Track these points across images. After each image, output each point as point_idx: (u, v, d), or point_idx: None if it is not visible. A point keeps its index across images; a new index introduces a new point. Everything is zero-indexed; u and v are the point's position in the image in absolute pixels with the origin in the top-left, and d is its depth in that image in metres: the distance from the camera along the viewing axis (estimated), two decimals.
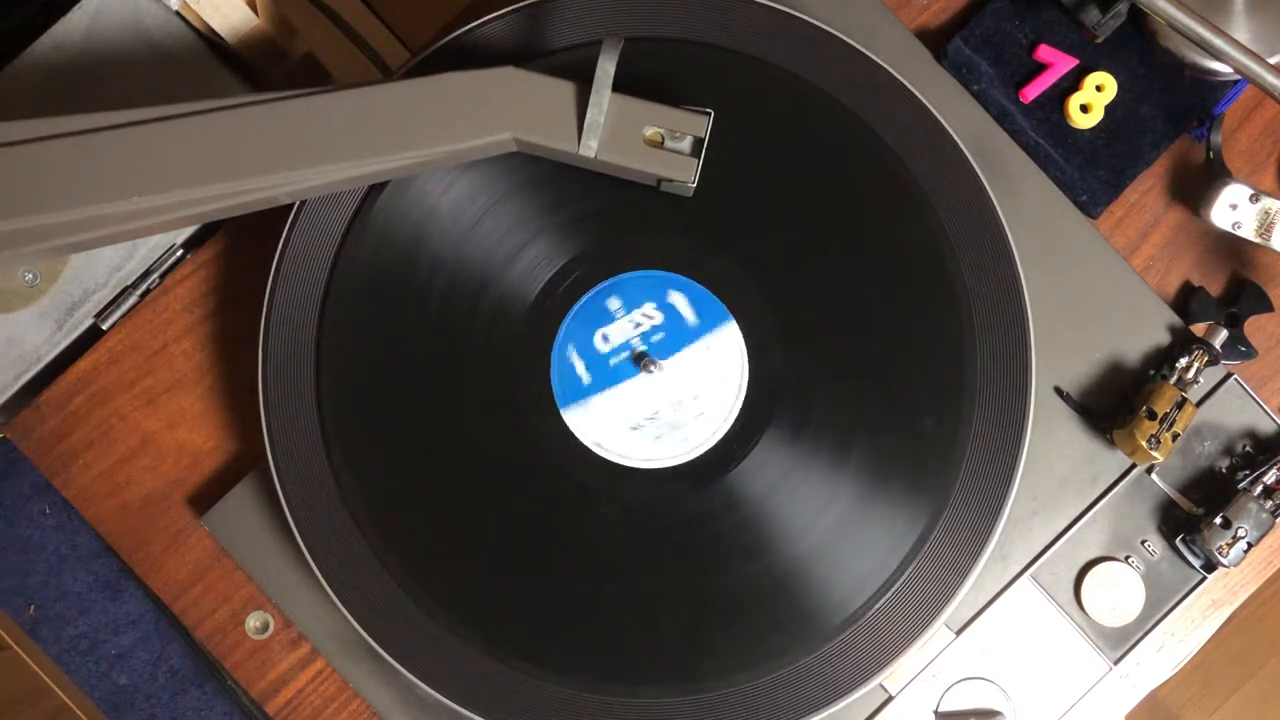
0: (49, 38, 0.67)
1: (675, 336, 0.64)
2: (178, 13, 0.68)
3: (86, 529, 0.84)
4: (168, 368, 0.68)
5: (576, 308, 0.64)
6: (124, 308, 0.68)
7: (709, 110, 0.61)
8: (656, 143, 0.61)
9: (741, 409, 0.64)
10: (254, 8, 0.69)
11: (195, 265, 0.69)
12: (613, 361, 0.64)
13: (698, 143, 0.61)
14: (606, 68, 0.59)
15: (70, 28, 0.67)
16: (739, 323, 0.64)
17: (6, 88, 0.67)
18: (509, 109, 0.60)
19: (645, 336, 0.64)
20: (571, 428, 0.64)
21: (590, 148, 0.60)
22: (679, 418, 0.64)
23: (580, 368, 0.64)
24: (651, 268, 0.65)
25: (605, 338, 0.65)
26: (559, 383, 0.64)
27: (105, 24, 0.67)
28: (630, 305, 0.65)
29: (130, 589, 0.84)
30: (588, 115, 0.59)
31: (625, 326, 0.64)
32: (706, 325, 0.64)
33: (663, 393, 0.64)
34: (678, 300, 0.65)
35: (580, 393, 0.64)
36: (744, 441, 0.64)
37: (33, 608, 0.84)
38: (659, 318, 0.65)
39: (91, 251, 0.67)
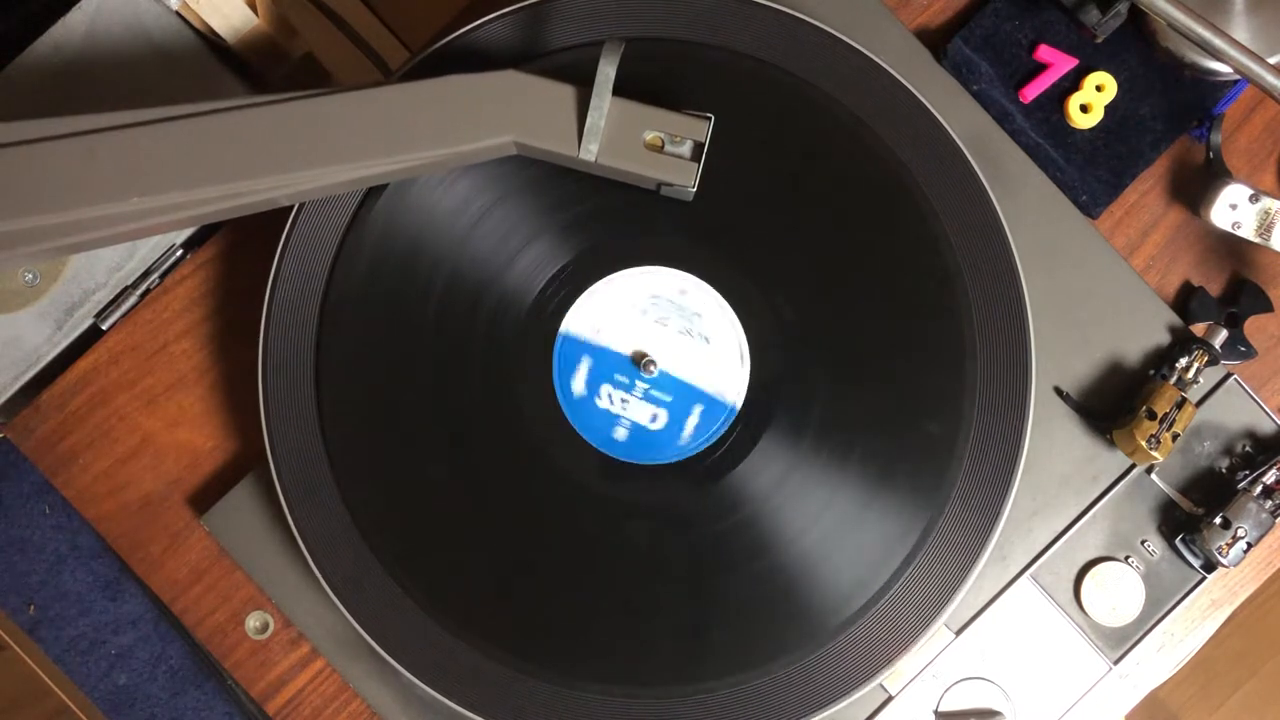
0: (49, 38, 0.67)
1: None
2: (178, 13, 0.68)
3: (86, 529, 0.84)
4: (168, 368, 0.68)
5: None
6: (124, 308, 0.68)
7: (709, 115, 0.61)
8: (657, 147, 0.61)
9: (742, 408, 0.64)
10: (254, 8, 0.69)
11: (195, 265, 0.69)
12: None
13: (698, 147, 0.61)
14: (607, 71, 0.59)
15: (70, 28, 0.67)
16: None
17: (6, 88, 0.67)
18: (509, 112, 0.60)
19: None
20: (567, 323, 0.64)
21: (590, 152, 0.60)
22: (684, 323, 0.64)
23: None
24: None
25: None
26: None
27: (105, 24, 0.67)
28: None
29: (130, 589, 0.84)
30: (588, 119, 0.59)
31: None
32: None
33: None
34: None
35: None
36: (744, 441, 0.64)
37: (33, 608, 0.84)
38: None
39: (91, 251, 0.67)
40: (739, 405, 0.64)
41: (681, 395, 0.64)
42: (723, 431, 0.64)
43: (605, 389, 0.64)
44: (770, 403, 0.64)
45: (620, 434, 0.64)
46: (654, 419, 0.64)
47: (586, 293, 0.64)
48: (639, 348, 0.64)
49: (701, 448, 0.64)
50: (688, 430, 0.64)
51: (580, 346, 0.64)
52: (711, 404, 0.64)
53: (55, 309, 0.67)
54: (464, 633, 0.63)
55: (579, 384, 0.64)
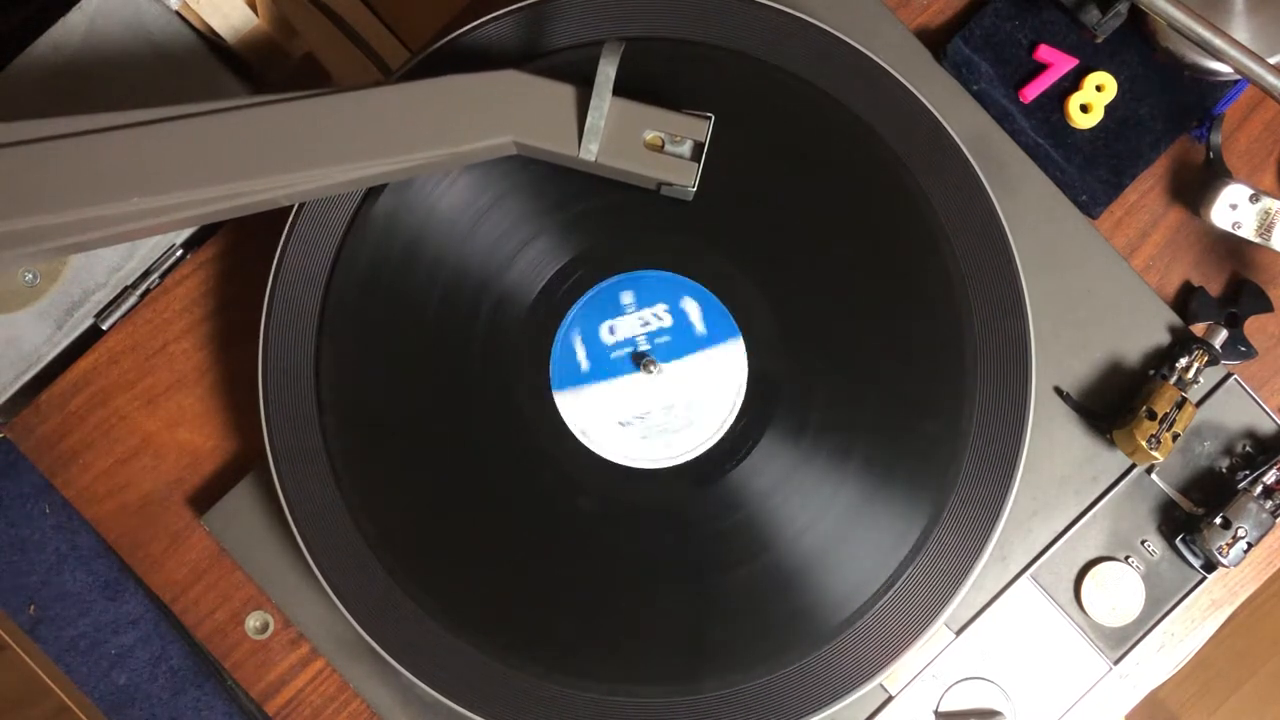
0: (49, 38, 0.67)
1: (680, 342, 0.64)
2: (178, 13, 0.68)
3: (86, 529, 0.84)
4: (168, 368, 0.68)
5: (589, 295, 0.64)
6: (124, 308, 0.68)
7: (709, 115, 0.61)
8: (657, 147, 0.61)
9: (742, 409, 0.64)
10: (254, 8, 0.69)
11: (195, 265, 0.69)
12: (614, 355, 0.64)
13: (698, 147, 0.61)
14: (607, 71, 0.59)
15: (70, 28, 0.67)
16: (740, 326, 0.64)
17: (6, 88, 0.67)
18: (509, 112, 0.60)
19: (651, 336, 0.64)
20: (561, 412, 0.64)
21: (590, 151, 0.60)
22: (668, 422, 0.64)
23: (581, 354, 0.64)
24: (651, 267, 0.65)
25: (612, 330, 0.65)
26: (558, 366, 0.64)
27: (105, 24, 0.68)
28: (642, 302, 0.65)
29: (130, 589, 0.84)
30: (588, 119, 0.60)
31: (633, 323, 0.65)
32: (713, 338, 0.64)
33: (658, 395, 0.64)
34: (690, 307, 0.65)
35: (577, 379, 0.64)
36: (745, 441, 0.64)
37: (33, 608, 0.84)
38: (668, 320, 0.65)
39: (91, 252, 0.67)
40: (729, 422, 0.64)
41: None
42: (724, 432, 0.64)
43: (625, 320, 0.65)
44: (770, 403, 0.64)
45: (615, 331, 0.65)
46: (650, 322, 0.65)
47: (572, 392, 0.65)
48: (641, 348, 0.64)
49: (702, 449, 0.64)
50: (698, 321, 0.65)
51: (586, 333, 0.64)
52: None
53: (55, 309, 0.67)
54: (464, 632, 0.63)
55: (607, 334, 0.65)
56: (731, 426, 0.64)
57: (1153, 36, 0.68)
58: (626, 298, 0.65)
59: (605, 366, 0.64)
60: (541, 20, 0.65)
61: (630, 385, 0.64)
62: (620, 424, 0.64)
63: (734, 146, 0.64)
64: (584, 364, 0.64)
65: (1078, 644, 0.66)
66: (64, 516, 0.85)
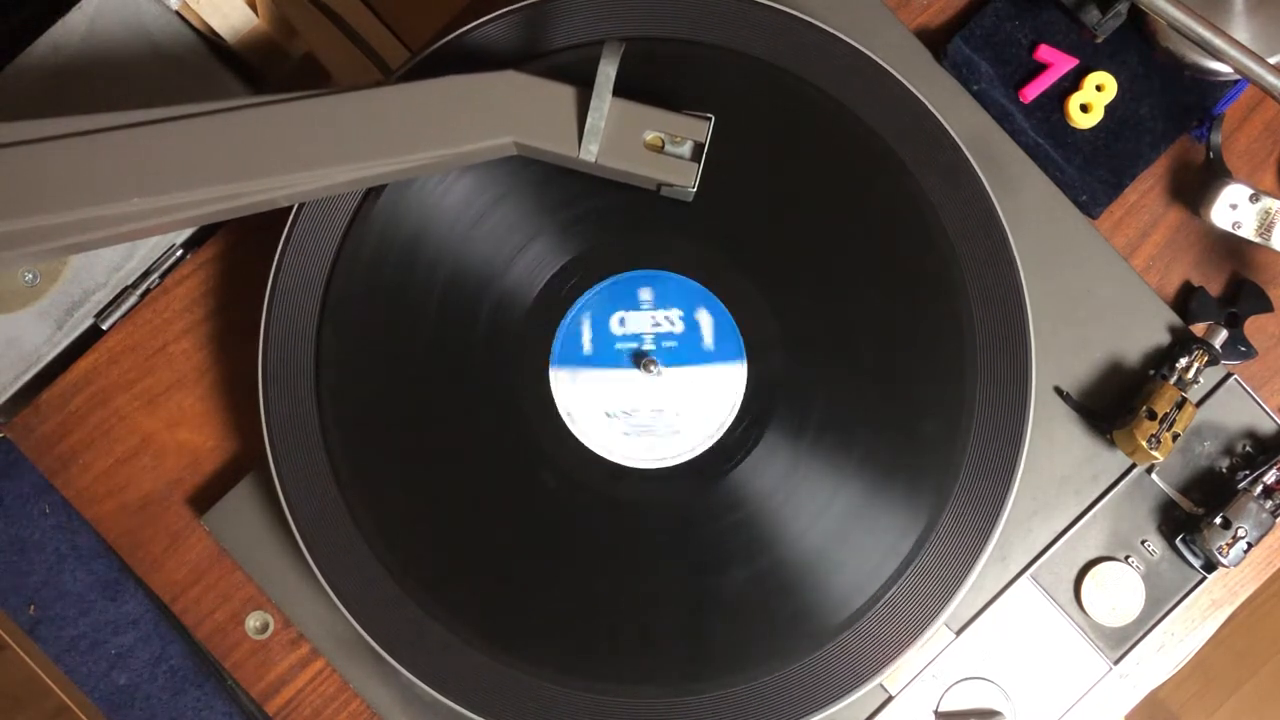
0: (49, 38, 0.67)
1: (686, 351, 0.64)
2: (178, 13, 0.68)
3: (86, 529, 0.84)
4: (168, 368, 0.68)
5: (609, 283, 0.64)
6: (124, 308, 0.68)
7: (709, 115, 0.61)
8: (657, 147, 0.61)
9: (741, 409, 0.64)
10: (254, 8, 0.69)
11: (195, 265, 0.69)
12: (618, 346, 0.64)
13: (698, 148, 0.61)
14: (607, 72, 0.59)
15: (70, 28, 0.67)
16: (746, 348, 0.64)
17: (6, 88, 0.67)
18: (509, 113, 0.60)
19: (658, 338, 0.64)
20: (553, 388, 0.64)
21: (591, 152, 0.60)
22: (654, 425, 0.64)
23: (587, 337, 0.64)
24: (651, 268, 0.65)
25: (622, 321, 0.65)
26: (560, 344, 0.64)
27: (105, 24, 0.68)
28: (660, 303, 0.65)
29: (130, 589, 0.84)
30: (588, 120, 0.60)
31: (645, 320, 0.64)
32: (719, 356, 0.64)
33: (650, 396, 0.64)
34: (703, 319, 0.65)
35: (577, 359, 0.64)
36: (745, 441, 0.64)
37: (33, 608, 0.84)
38: (679, 327, 0.65)
39: (91, 252, 0.67)
40: (715, 438, 0.64)
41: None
42: (725, 430, 0.64)
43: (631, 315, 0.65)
44: (771, 403, 0.64)
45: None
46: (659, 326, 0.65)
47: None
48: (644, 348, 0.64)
49: (703, 448, 0.64)
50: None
51: (596, 318, 0.64)
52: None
53: (55, 309, 0.67)
54: (464, 632, 0.63)
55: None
56: (731, 426, 0.64)
57: (1153, 36, 0.68)
58: (645, 294, 0.65)
59: (607, 355, 0.64)
60: (541, 20, 0.65)
61: (626, 380, 0.64)
62: (606, 415, 0.64)
63: (733, 147, 0.64)
64: (587, 346, 0.64)
65: (1078, 644, 0.66)
66: (64, 516, 0.85)
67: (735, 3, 0.66)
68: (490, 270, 0.64)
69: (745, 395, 0.64)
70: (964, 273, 0.64)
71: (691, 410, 0.64)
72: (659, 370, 0.64)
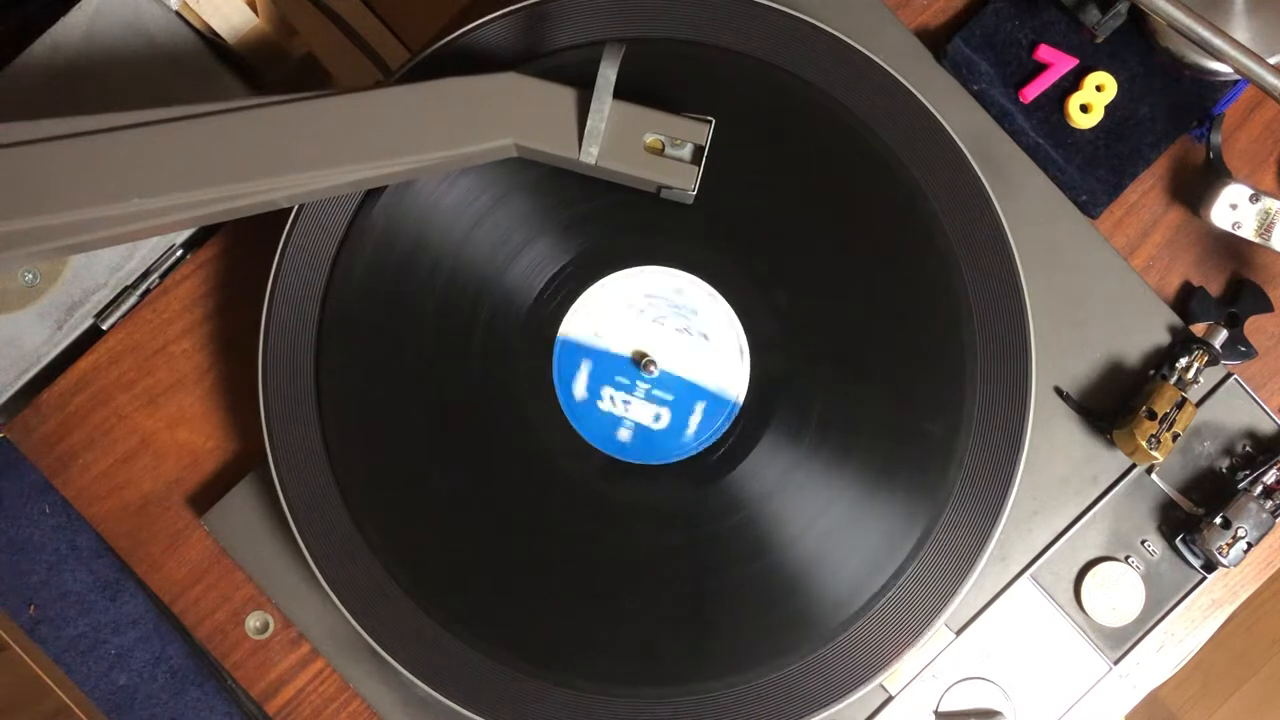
0: (49, 38, 0.67)
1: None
2: (178, 13, 0.68)
3: (86, 529, 0.84)
4: (168, 368, 0.68)
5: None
6: (124, 308, 0.68)
7: (710, 118, 0.61)
8: (657, 150, 0.61)
9: (742, 409, 0.64)
10: (254, 8, 0.69)
11: (195, 265, 0.69)
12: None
13: (698, 150, 0.61)
14: (608, 74, 0.59)
15: (70, 28, 0.67)
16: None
17: (6, 88, 0.67)
18: (510, 115, 0.60)
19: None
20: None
21: (591, 154, 0.60)
22: (683, 322, 0.64)
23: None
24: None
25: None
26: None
27: (105, 24, 0.67)
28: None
29: (130, 589, 0.84)
30: (589, 122, 0.59)
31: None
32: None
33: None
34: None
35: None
36: (745, 442, 0.64)
37: (33, 608, 0.84)
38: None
39: (91, 252, 0.67)
40: (741, 400, 0.64)
41: (683, 393, 0.64)
42: (726, 428, 0.64)
43: (607, 391, 0.64)
44: (770, 403, 0.64)
45: (624, 435, 0.64)
46: (657, 418, 0.64)
47: (583, 296, 0.64)
48: (638, 348, 0.64)
49: (704, 447, 0.64)
50: (691, 428, 0.64)
51: (580, 350, 0.64)
52: (714, 400, 0.64)
53: (55, 309, 0.67)
54: (464, 633, 0.63)
55: (580, 388, 0.64)
56: (732, 426, 0.64)
57: (1153, 36, 0.68)
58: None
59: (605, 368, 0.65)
60: (541, 21, 0.65)
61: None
62: (630, 306, 0.64)
63: (734, 147, 0.64)
64: (580, 395, 0.64)
65: (1078, 644, 0.66)
66: (64, 516, 0.85)
67: (735, 4, 0.66)
68: (490, 270, 0.64)
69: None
70: (964, 272, 0.64)
71: (709, 326, 0.64)
72: (658, 369, 0.64)
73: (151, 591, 0.68)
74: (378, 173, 0.60)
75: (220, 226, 0.69)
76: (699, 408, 0.64)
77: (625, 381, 0.64)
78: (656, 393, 0.64)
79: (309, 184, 0.60)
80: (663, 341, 0.64)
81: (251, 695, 0.67)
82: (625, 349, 0.64)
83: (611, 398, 0.64)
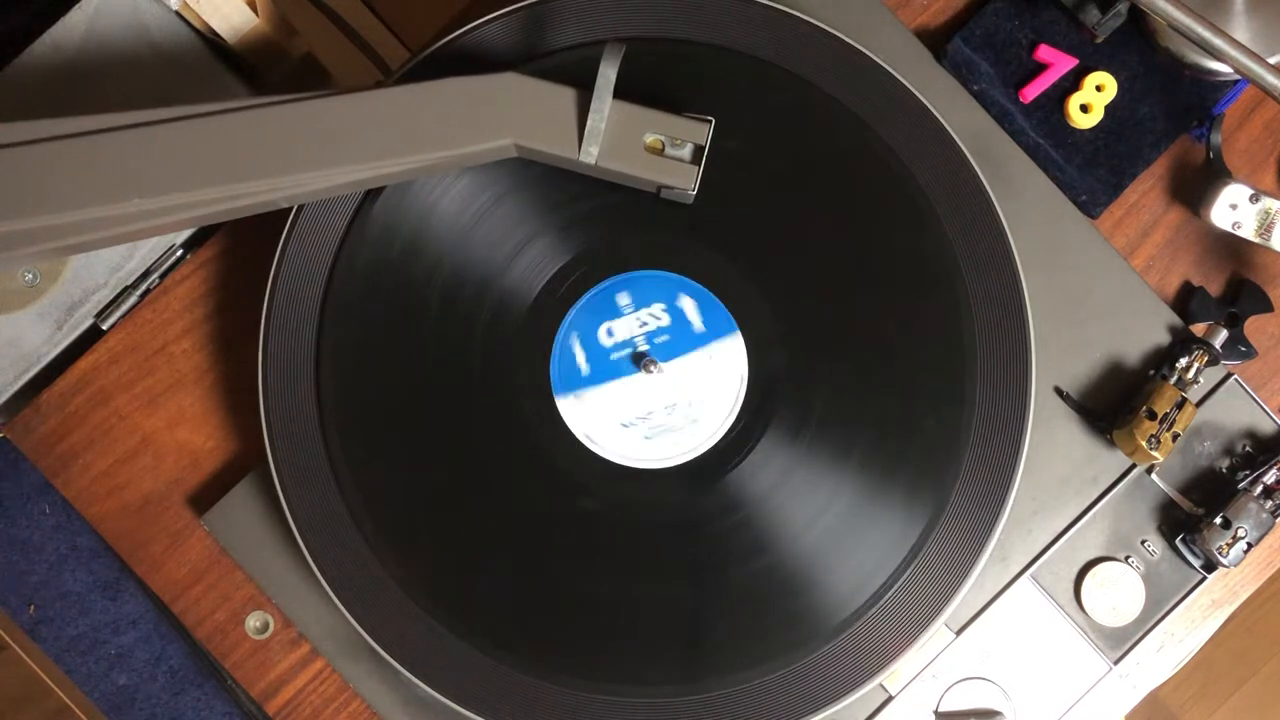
0: (49, 38, 0.67)
1: (679, 341, 0.64)
2: (178, 13, 0.68)
3: (86, 529, 0.84)
4: (168, 368, 0.68)
5: (586, 298, 0.64)
6: (124, 308, 0.68)
7: (710, 118, 0.61)
8: (657, 150, 0.61)
9: (742, 409, 0.64)
10: (254, 8, 0.69)
11: (195, 265, 0.69)
12: (614, 357, 0.65)
13: (698, 150, 0.61)
14: (608, 74, 0.59)
15: (70, 28, 0.67)
16: (739, 322, 0.64)
17: (6, 88, 0.67)
18: (510, 115, 0.60)
19: (650, 336, 0.64)
20: (564, 416, 0.64)
21: (591, 154, 0.60)
22: (671, 422, 0.64)
23: (581, 358, 0.64)
24: (651, 267, 0.65)
25: (610, 332, 0.65)
26: (557, 371, 0.64)
27: (105, 24, 0.67)
28: (639, 303, 0.65)
29: (130, 589, 0.84)
30: (589, 122, 0.59)
31: (631, 324, 0.65)
32: (712, 334, 0.64)
33: (659, 394, 0.64)
34: (687, 305, 0.65)
35: (577, 383, 0.64)
36: (744, 441, 0.64)
37: (33, 608, 0.84)
38: (666, 320, 0.65)
39: (91, 252, 0.67)
40: (733, 418, 0.64)
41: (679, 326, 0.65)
42: (714, 441, 0.64)
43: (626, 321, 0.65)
44: (770, 402, 0.64)
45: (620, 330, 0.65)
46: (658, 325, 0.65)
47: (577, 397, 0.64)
48: (643, 348, 0.64)
49: (702, 449, 0.64)
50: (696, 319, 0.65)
51: (585, 336, 0.64)
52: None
53: (55, 309, 0.67)
54: (464, 633, 0.63)
55: (582, 358, 0.64)
56: (732, 426, 0.64)
57: (1153, 36, 0.68)
58: (623, 299, 0.65)
59: (605, 368, 0.64)
60: (541, 21, 0.65)
61: (631, 386, 0.64)
62: (623, 425, 0.64)
63: (734, 146, 0.64)
64: (584, 368, 0.64)
65: (1078, 644, 0.66)
66: (64, 516, 0.85)
67: (735, 3, 0.66)
68: (490, 270, 0.64)
69: (750, 368, 0.64)
70: (964, 273, 0.64)
71: (703, 395, 0.64)
72: (659, 368, 0.64)
73: (151, 591, 0.68)
74: (378, 173, 0.60)
75: (220, 226, 0.69)
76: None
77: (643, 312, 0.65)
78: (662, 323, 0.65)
79: (309, 184, 0.60)
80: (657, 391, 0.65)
81: (251, 695, 0.67)
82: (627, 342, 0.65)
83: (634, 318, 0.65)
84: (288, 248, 0.64)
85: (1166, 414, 0.64)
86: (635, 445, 0.64)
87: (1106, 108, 0.69)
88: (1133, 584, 0.66)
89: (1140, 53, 0.69)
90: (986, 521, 0.63)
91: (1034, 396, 0.64)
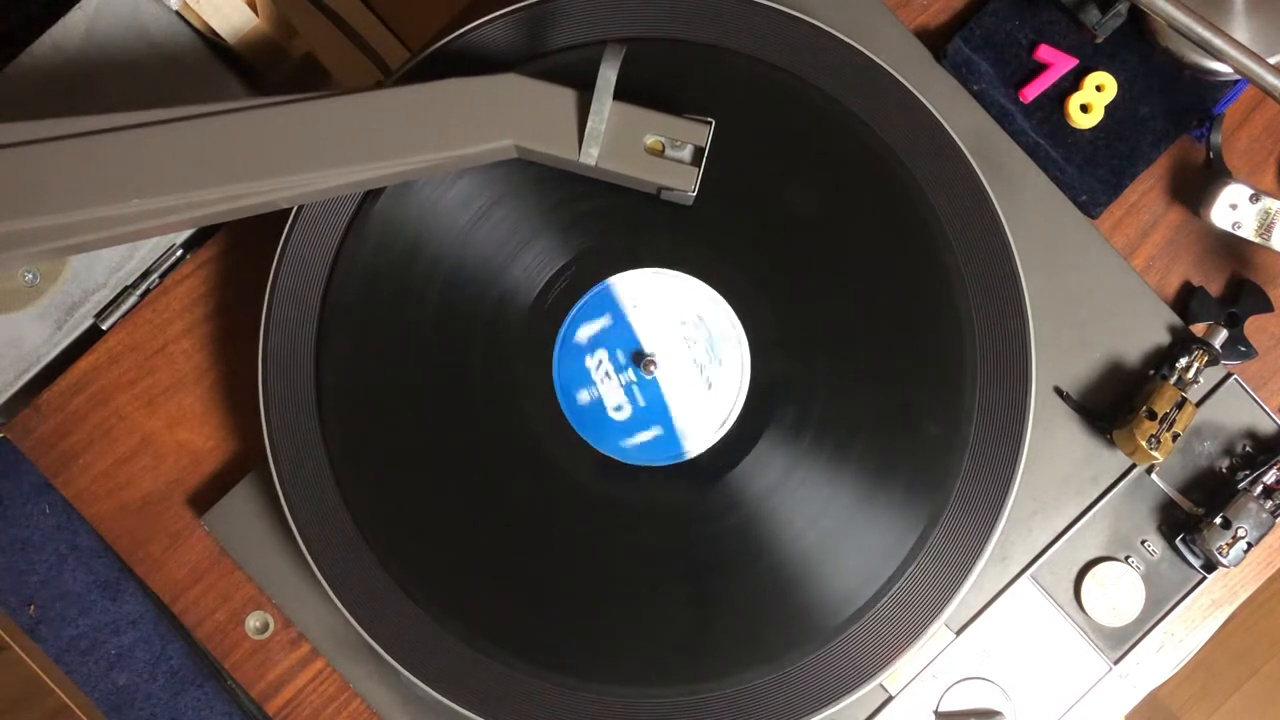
0: (49, 38, 0.67)
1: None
2: (178, 13, 0.68)
3: (86, 529, 0.84)
4: (168, 368, 0.68)
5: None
6: (124, 308, 0.68)
7: (710, 119, 0.61)
8: (657, 151, 0.61)
9: (742, 409, 0.64)
10: (254, 8, 0.69)
11: (195, 265, 0.69)
12: (614, 356, 0.65)
13: (698, 152, 0.61)
14: (608, 75, 0.59)
15: (70, 28, 0.67)
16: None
17: (6, 88, 0.67)
18: (510, 116, 0.60)
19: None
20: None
21: (591, 155, 0.60)
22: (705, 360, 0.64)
23: (581, 358, 0.64)
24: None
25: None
26: (558, 371, 0.64)
27: (105, 24, 0.67)
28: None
29: (130, 589, 0.84)
30: (589, 123, 0.59)
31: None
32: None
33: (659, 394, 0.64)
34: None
35: (577, 383, 0.64)
36: (744, 441, 0.64)
37: (33, 608, 0.84)
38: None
39: (91, 252, 0.67)
40: (689, 456, 0.64)
41: (652, 410, 0.64)
42: (664, 465, 0.64)
43: (601, 354, 0.64)
44: (770, 403, 0.64)
45: (584, 397, 0.64)
46: (619, 409, 0.64)
47: (650, 272, 0.64)
48: (653, 348, 0.64)
49: (702, 449, 0.64)
50: (634, 440, 0.64)
51: (613, 306, 0.64)
52: (668, 438, 0.64)
53: (55, 309, 0.67)
54: (464, 632, 0.63)
55: (585, 335, 0.64)
56: (732, 426, 0.64)
57: (1153, 36, 0.68)
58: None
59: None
60: (541, 21, 0.65)
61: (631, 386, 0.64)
62: (679, 321, 0.64)
63: (734, 147, 0.64)
64: (584, 367, 0.64)
65: (1078, 644, 0.66)
66: (64, 516, 0.85)
67: (735, 4, 0.66)
68: (490, 270, 0.64)
69: (750, 366, 0.64)
70: (964, 273, 0.64)
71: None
72: (659, 368, 0.64)
73: (151, 591, 0.68)
74: (378, 173, 0.60)
75: (220, 226, 0.69)
76: (653, 432, 0.64)
77: (621, 361, 0.64)
78: (635, 391, 0.64)
79: (309, 184, 0.60)
80: (675, 359, 0.64)
81: (251, 695, 0.67)
82: (644, 337, 0.64)
83: (600, 362, 0.64)
84: (288, 248, 0.64)
85: (1166, 414, 0.64)
86: (671, 337, 0.63)
87: (1106, 108, 0.69)
88: (1133, 584, 0.66)
89: (1140, 53, 0.69)
90: (986, 521, 0.63)
91: (1034, 396, 0.64)
